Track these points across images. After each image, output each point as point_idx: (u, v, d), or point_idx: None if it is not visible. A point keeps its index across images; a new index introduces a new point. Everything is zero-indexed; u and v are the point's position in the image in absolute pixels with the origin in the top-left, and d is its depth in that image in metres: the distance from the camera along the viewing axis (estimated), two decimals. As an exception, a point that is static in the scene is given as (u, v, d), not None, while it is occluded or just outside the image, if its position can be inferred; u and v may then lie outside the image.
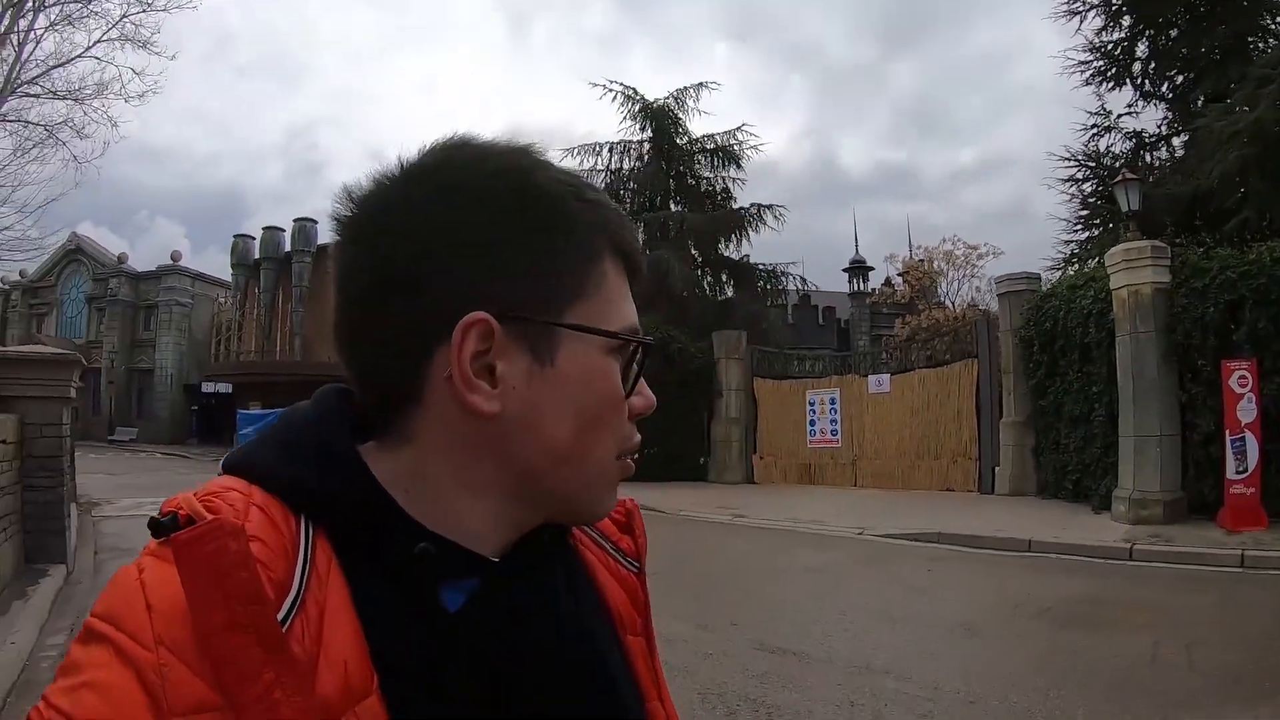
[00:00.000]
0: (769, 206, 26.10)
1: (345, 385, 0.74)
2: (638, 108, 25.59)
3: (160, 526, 0.60)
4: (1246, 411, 10.21)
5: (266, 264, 41.75)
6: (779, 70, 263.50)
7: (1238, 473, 10.23)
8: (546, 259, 0.67)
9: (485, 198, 0.66)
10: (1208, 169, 12.95)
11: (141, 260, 60.79)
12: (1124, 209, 12.13)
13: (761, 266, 26.51)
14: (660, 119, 25.71)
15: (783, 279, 26.73)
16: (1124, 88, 17.85)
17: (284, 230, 41.74)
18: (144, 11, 17.03)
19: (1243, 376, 10.24)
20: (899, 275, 39.42)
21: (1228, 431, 10.29)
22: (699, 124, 27.28)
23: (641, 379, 0.72)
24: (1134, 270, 11.38)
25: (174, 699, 0.54)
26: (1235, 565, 8.91)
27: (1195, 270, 11.05)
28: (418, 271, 0.66)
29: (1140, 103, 17.64)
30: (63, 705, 0.54)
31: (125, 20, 17.15)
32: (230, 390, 41.59)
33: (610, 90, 25.89)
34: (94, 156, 19.28)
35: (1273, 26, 16.62)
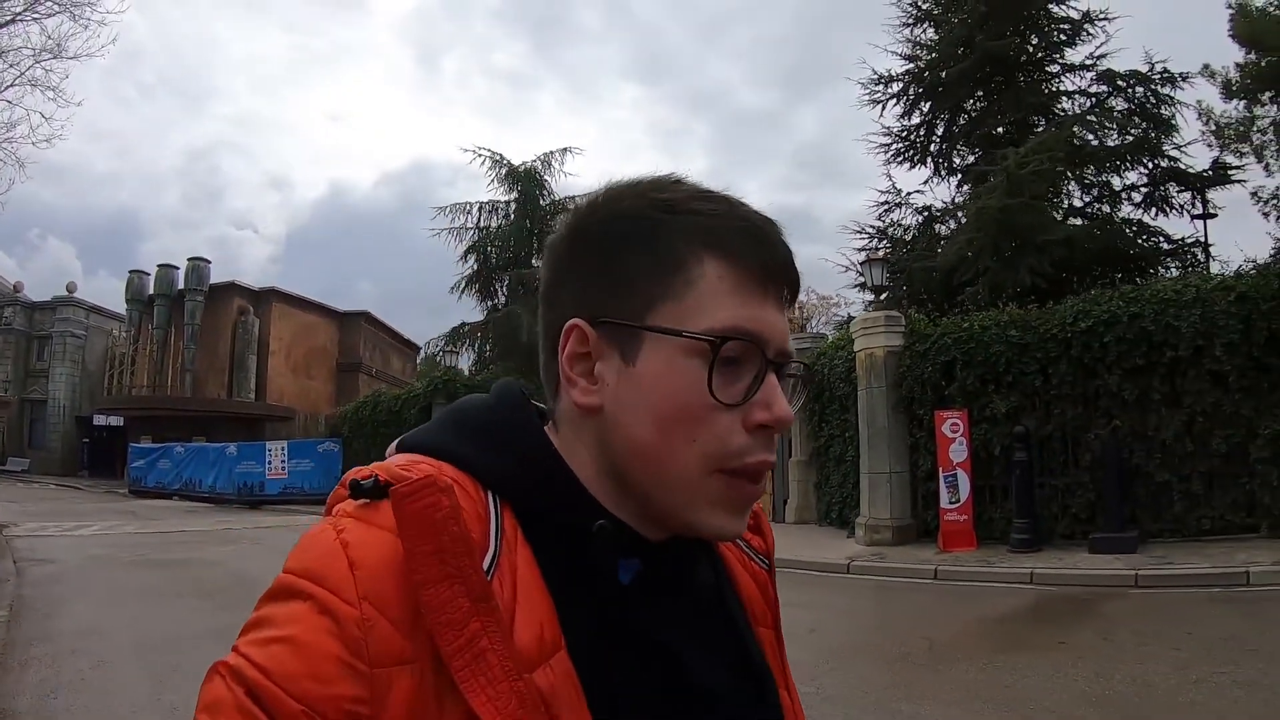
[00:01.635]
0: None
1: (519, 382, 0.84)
2: (504, 171, 27.51)
3: (362, 489, 0.66)
4: (958, 453, 12.36)
5: (160, 301, 42.11)
6: (684, 113, 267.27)
7: (950, 503, 12.36)
8: (628, 269, 0.72)
9: (588, 230, 0.76)
10: (951, 247, 15.40)
11: (31, 280, 59.73)
12: (869, 283, 14.50)
13: None
14: (526, 181, 27.69)
15: None
16: (924, 166, 20.23)
17: (178, 268, 42.21)
18: (56, 58, 16.94)
19: (954, 424, 12.41)
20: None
21: (941, 469, 12.45)
22: (565, 184, 29.17)
23: (775, 390, 0.72)
24: (870, 336, 13.68)
25: (375, 651, 0.58)
26: (929, 578, 10.95)
27: (920, 336, 13.33)
28: (550, 290, 0.78)
29: (935, 178, 20.06)
30: (255, 657, 0.58)
31: (36, 65, 17.00)
32: (122, 423, 41.94)
33: (479, 155, 27.88)
34: None
35: (1058, 110, 19.23)
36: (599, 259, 0.74)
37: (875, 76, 19.78)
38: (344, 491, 0.68)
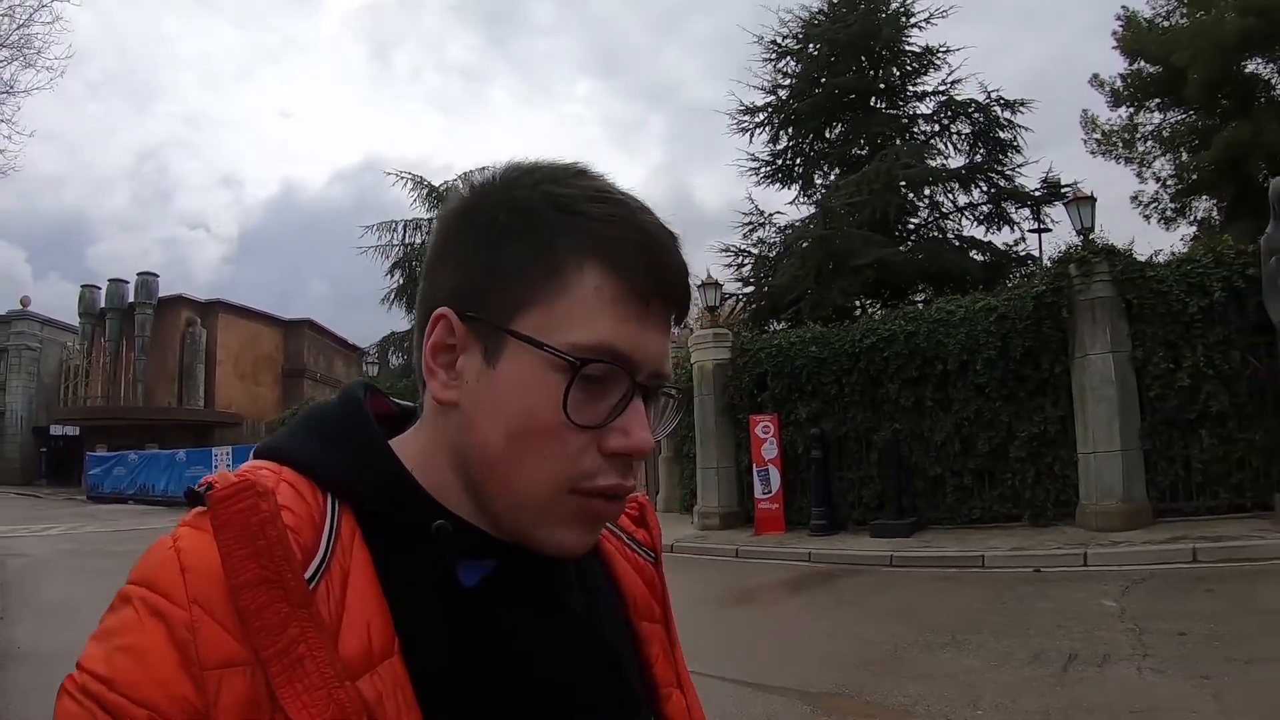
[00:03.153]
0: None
1: (370, 382, 0.81)
2: (425, 191, 29.25)
3: (196, 496, 0.64)
4: (769, 451, 14.40)
5: (111, 314, 43.75)
6: (640, 106, 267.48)
7: (763, 494, 14.45)
8: (504, 265, 0.68)
9: (475, 212, 0.71)
10: (786, 270, 17.55)
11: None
12: (702, 304, 16.61)
13: None
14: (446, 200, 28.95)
15: None
16: (789, 188, 22.33)
17: (128, 282, 43.88)
18: (8, 93, 17.34)
19: (765, 426, 14.46)
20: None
21: (755, 465, 14.55)
22: None
23: (637, 417, 0.69)
24: (702, 350, 15.85)
25: (205, 653, 0.57)
26: (731, 556, 12.90)
27: (743, 350, 15.42)
28: (430, 267, 0.74)
29: (801, 199, 22.12)
30: (98, 670, 0.57)
31: None
32: (78, 433, 43.20)
33: (401, 178, 29.66)
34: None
35: (916, 134, 21.36)
36: (477, 248, 0.70)
37: (742, 107, 21.85)
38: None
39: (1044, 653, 6.34)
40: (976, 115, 20.88)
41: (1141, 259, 12.06)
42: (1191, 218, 29.33)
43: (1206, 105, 25.99)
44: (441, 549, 0.68)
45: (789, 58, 21.74)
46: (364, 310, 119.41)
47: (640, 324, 0.69)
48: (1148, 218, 29.48)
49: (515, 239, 0.69)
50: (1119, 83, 28.63)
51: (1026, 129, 20.60)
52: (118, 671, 0.57)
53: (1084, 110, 29.97)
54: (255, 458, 0.72)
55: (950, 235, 21.01)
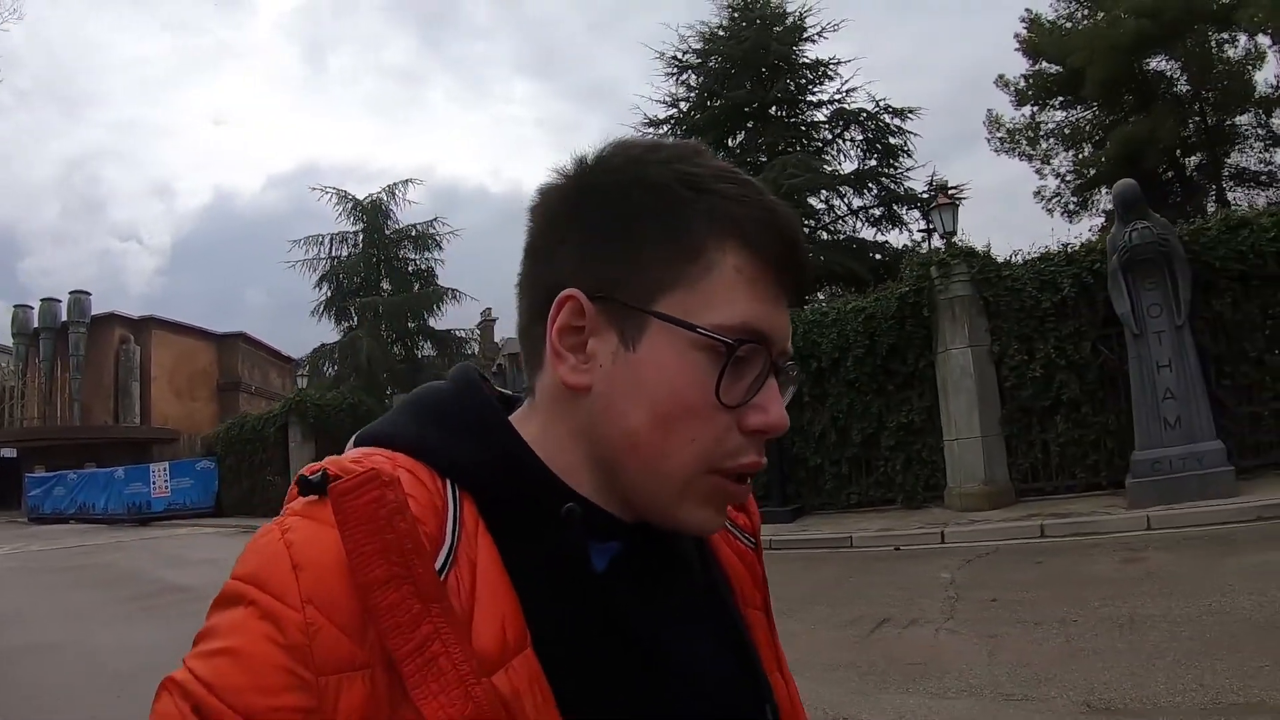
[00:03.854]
0: (453, 290, 31.48)
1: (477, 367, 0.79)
2: (350, 205, 30.08)
3: (309, 484, 0.62)
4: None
5: (45, 334, 43.51)
6: (578, 106, 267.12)
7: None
8: (639, 246, 0.67)
9: (601, 189, 0.69)
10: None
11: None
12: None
13: (455, 331, 31.93)
14: (371, 214, 30.30)
15: (467, 342, 32.07)
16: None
17: (60, 301, 43.82)
18: None
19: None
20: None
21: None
22: (408, 214, 32.05)
23: (774, 395, 0.69)
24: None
25: (322, 658, 0.55)
26: None
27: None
28: (542, 244, 0.72)
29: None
30: (200, 671, 0.55)
31: None
32: (15, 455, 43.09)
33: (326, 193, 30.43)
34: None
35: (815, 140, 22.61)
36: (610, 226, 0.68)
37: (645, 120, 22.96)
38: (295, 489, 0.64)
39: (861, 618, 6.92)
40: (867, 123, 22.15)
41: (1000, 260, 12.82)
42: (1095, 210, 30.45)
43: (1106, 103, 27.23)
44: (571, 533, 0.66)
45: (690, 71, 22.85)
46: (301, 318, 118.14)
47: (775, 303, 0.69)
48: (1050, 211, 30.90)
49: (651, 219, 0.67)
50: (1022, 83, 29.78)
51: (915, 134, 21.97)
52: (220, 676, 0.55)
53: (989, 110, 31.26)
54: (357, 444, 0.70)
55: (842, 238, 22.20)
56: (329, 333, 31.64)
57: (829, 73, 22.22)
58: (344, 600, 0.57)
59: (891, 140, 22.16)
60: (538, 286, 0.71)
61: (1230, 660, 4.88)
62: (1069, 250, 12.39)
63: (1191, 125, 26.66)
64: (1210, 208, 24.00)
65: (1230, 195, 27.05)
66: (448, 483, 0.65)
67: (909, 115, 21.86)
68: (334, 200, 30.34)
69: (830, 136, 22.54)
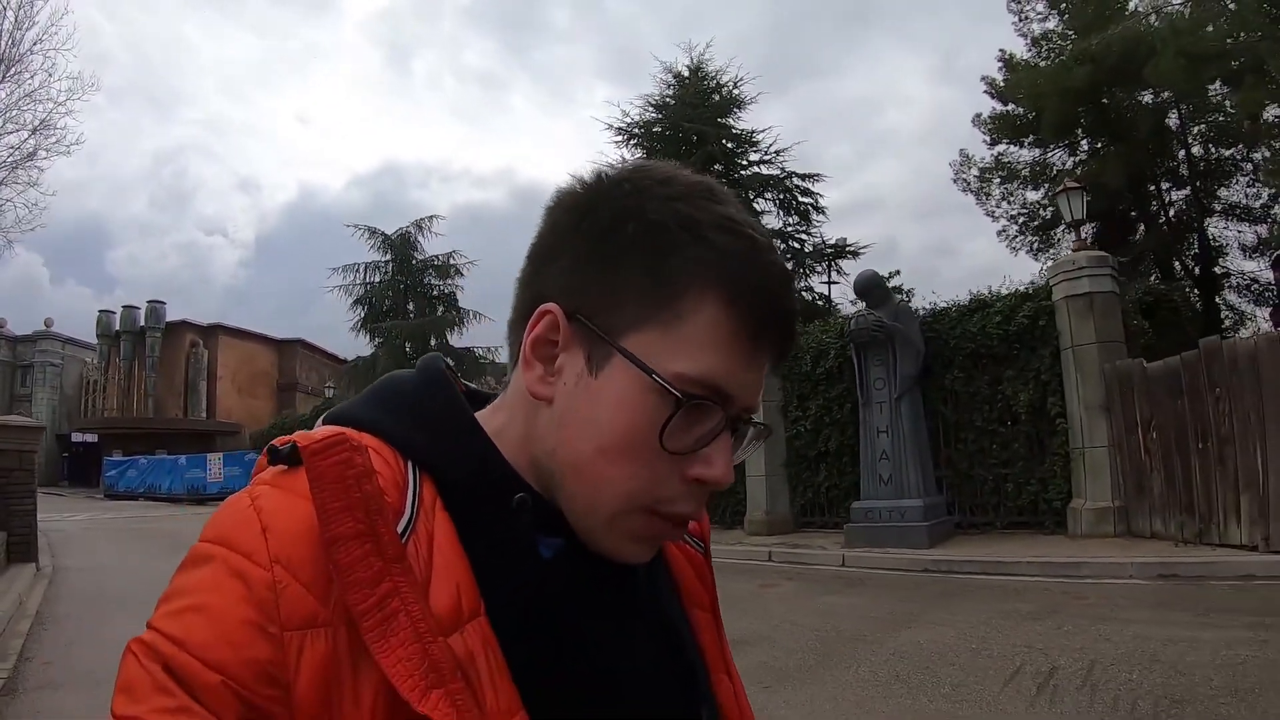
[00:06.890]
0: (464, 309, 34.88)
1: (444, 359, 0.79)
2: (380, 240, 34.21)
3: (279, 454, 0.64)
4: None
5: (125, 336, 48.97)
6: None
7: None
8: (623, 277, 0.66)
9: (602, 214, 0.68)
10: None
11: (-1, 290, 62.38)
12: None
13: (477, 349, 34.72)
14: (399, 247, 34.21)
15: (485, 359, 34.61)
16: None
17: (139, 308, 49.14)
18: (31, 158, 18.34)
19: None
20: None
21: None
22: (434, 244, 35.70)
23: (723, 449, 0.68)
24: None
25: (288, 614, 0.56)
26: None
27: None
28: (540, 252, 0.72)
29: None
30: (169, 629, 0.56)
31: (17, 168, 18.24)
32: (96, 440, 48.33)
33: (359, 230, 34.58)
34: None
35: (743, 170, 25.70)
36: (598, 251, 0.68)
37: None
38: (265, 460, 0.66)
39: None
40: (776, 189, 25.62)
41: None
42: (1058, 250, 30.01)
43: (1063, 144, 28.47)
44: (521, 522, 0.67)
45: (636, 139, 25.91)
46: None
47: (747, 363, 0.67)
48: (1015, 250, 31.60)
49: (639, 254, 0.66)
50: (990, 124, 30.05)
51: (821, 195, 25.67)
52: (190, 631, 0.55)
53: (962, 150, 31.68)
54: (325, 424, 0.71)
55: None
56: (365, 346, 35.29)
57: (754, 140, 25.54)
58: (310, 562, 0.58)
59: (801, 199, 25.67)
60: (527, 291, 0.73)
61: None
62: (838, 324, 14.25)
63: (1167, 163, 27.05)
64: (1196, 240, 26.19)
65: (1213, 230, 27.06)
66: (409, 463, 0.67)
67: (814, 179, 25.56)
68: (364, 235, 34.53)
69: (750, 197, 25.33)
